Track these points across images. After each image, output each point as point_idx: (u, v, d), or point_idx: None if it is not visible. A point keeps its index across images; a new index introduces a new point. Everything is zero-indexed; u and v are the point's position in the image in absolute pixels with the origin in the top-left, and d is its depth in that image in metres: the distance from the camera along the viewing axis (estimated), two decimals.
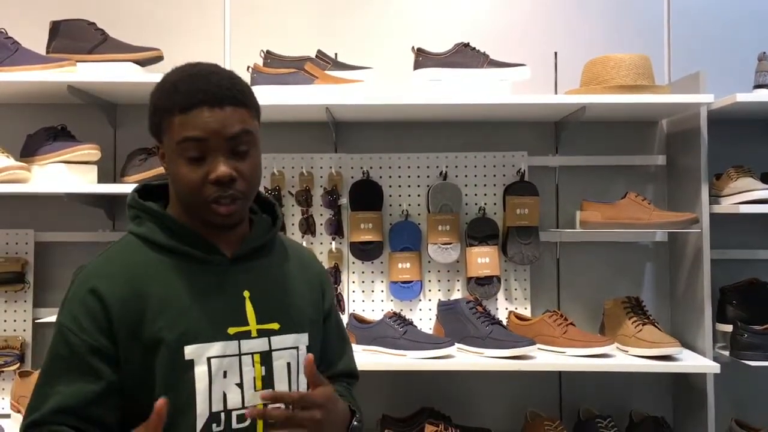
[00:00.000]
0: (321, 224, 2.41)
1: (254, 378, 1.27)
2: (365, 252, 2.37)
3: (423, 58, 2.25)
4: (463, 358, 2.13)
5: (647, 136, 2.47)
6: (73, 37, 2.26)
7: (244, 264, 1.32)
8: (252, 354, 1.28)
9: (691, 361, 2.11)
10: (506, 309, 2.39)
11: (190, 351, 1.23)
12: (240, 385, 1.26)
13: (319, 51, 2.34)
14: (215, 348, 1.25)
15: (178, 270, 1.27)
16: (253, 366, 1.27)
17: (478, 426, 2.29)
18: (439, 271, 2.43)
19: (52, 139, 2.22)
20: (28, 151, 2.25)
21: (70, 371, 1.22)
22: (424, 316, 2.41)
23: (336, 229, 2.39)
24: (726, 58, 2.42)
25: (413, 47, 2.27)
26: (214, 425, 1.24)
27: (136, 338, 1.23)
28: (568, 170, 2.45)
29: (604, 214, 2.22)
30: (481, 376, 2.36)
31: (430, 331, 2.32)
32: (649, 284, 2.45)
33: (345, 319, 2.34)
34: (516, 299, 2.41)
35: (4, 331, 2.40)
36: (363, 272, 2.43)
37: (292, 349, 1.32)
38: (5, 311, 2.41)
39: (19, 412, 2.20)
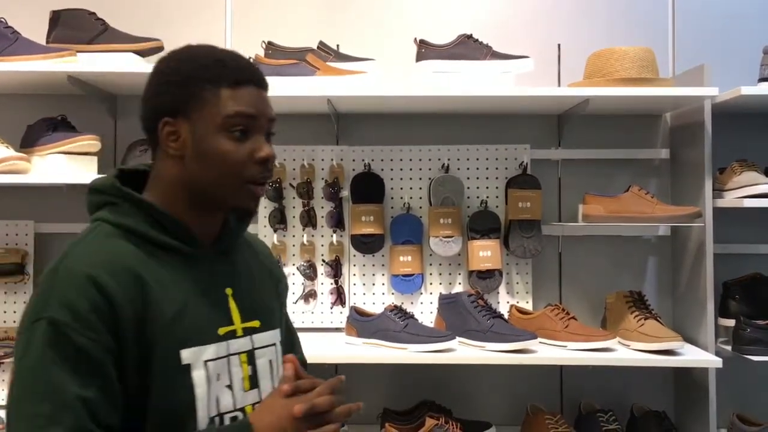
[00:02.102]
0: (322, 217, 2.40)
1: (242, 378, 1.22)
2: (366, 245, 2.36)
3: (425, 50, 2.24)
4: (464, 351, 2.12)
5: (651, 129, 2.45)
6: (73, 27, 2.25)
7: (222, 259, 1.26)
8: (239, 354, 1.22)
9: (693, 356, 2.10)
10: (508, 303, 2.39)
11: (186, 355, 1.15)
12: (230, 387, 1.20)
13: (320, 42, 2.33)
14: (210, 350, 1.18)
15: (166, 265, 1.17)
16: (241, 366, 1.22)
17: (478, 419, 2.29)
18: (440, 264, 2.42)
19: (52, 130, 2.21)
20: (27, 142, 2.24)
21: (77, 377, 1.05)
22: (425, 309, 2.40)
23: (337, 222, 2.38)
24: (730, 51, 2.40)
25: (416, 39, 2.25)
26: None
27: (135, 338, 1.11)
28: (571, 163, 2.44)
29: (606, 207, 2.21)
30: (482, 370, 2.35)
31: (431, 325, 2.31)
32: (652, 278, 2.44)
33: (346, 311, 2.34)
34: (517, 293, 2.41)
35: (4, 322, 2.40)
36: (364, 265, 2.42)
37: (271, 346, 1.29)
38: (5, 302, 2.40)
39: None
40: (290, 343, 1.44)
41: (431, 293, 2.41)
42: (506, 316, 2.28)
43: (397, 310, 2.21)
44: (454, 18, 2.46)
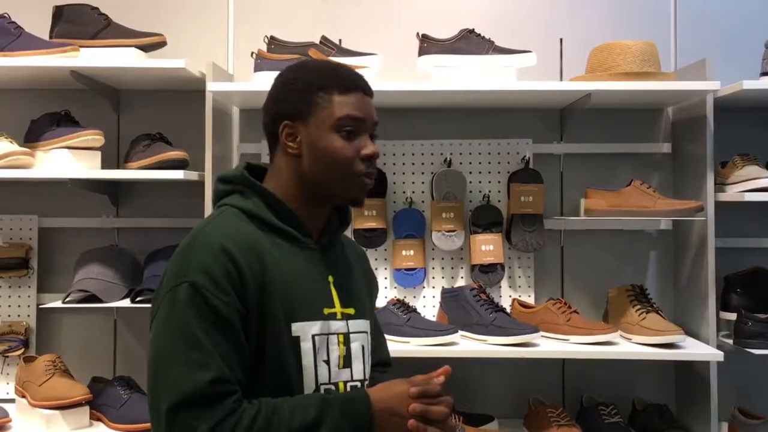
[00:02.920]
0: None
1: (339, 357, 1.36)
2: (369, 239, 2.37)
3: (428, 45, 2.24)
4: (467, 345, 2.13)
5: (653, 123, 2.45)
6: (76, 22, 2.25)
7: (326, 251, 1.41)
8: (337, 334, 1.36)
9: (695, 349, 2.11)
10: (510, 296, 2.39)
11: (296, 328, 1.30)
12: (327, 362, 1.34)
13: (323, 37, 2.33)
14: (317, 326, 1.33)
15: (282, 248, 1.34)
16: (338, 345, 1.36)
17: (481, 413, 2.29)
18: (443, 258, 2.43)
19: (55, 125, 2.22)
20: (31, 137, 2.25)
21: (214, 334, 1.21)
22: (427, 303, 2.41)
23: None
24: (732, 45, 2.40)
25: (418, 33, 2.25)
26: None
27: (257, 307, 1.27)
28: (573, 158, 2.45)
29: (608, 201, 2.22)
30: (485, 364, 2.36)
31: (434, 319, 2.32)
32: (654, 272, 2.44)
33: None
34: (520, 287, 2.41)
35: (9, 316, 2.41)
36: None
37: (363, 333, 1.42)
38: (9, 297, 2.42)
39: (23, 397, 2.21)
40: (377, 341, 1.55)
41: (434, 287, 2.42)
42: (508, 309, 2.29)
43: (400, 304, 2.22)
44: (456, 13, 2.46)
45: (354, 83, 1.36)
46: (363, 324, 1.43)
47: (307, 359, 1.31)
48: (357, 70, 2.09)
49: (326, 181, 1.35)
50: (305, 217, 1.38)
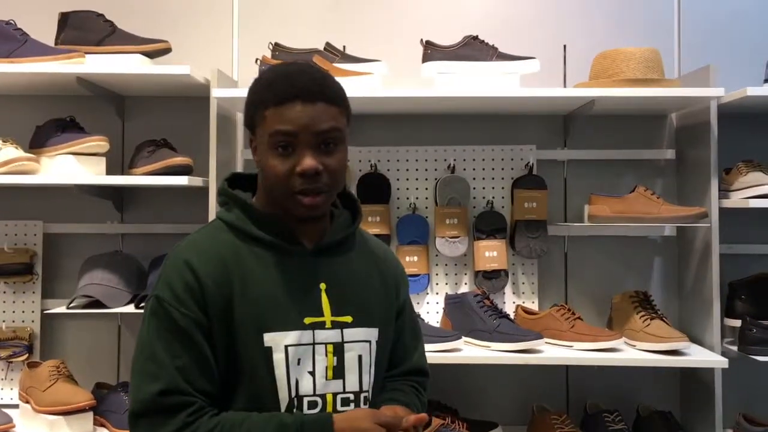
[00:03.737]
0: None
1: (326, 367, 1.32)
2: None
3: (432, 51, 2.24)
4: (470, 351, 2.13)
5: (656, 130, 2.45)
6: (81, 29, 2.26)
7: (323, 257, 1.37)
8: (325, 344, 1.32)
9: (699, 356, 2.10)
10: (514, 303, 2.39)
11: (268, 338, 1.28)
12: (312, 373, 1.31)
13: (327, 43, 2.33)
14: (291, 336, 1.30)
15: (261, 258, 1.32)
16: (326, 356, 1.32)
17: (485, 419, 2.29)
18: (446, 264, 2.43)
19: (60, 131, 2.22)
20: (36, 143, 2.26)
21: (173, 346, 1.25)
22: (431, 309, 2.41)
23: None
24: (736, 51, 2.40)
25: (422, 40, 2.26)
26: (294, 410, 1.29)
27: (223, 318, 1.27)
28: (577, 164, 2.45)
29: (612, 208, 2.21)
30: (488, 370, 2.36)
31: (438, 325, 2.32)
32: (658, 279, 2.44)
33: None
34: (523, 293, 2.41)
35: (13, 322, 2.42)
36: None
37: (363, 343, 1.36)
38: (14, 302, 2.42)
39: (27, 402, 2.21)
40: (405, 348, 1.49)
41: (437, 293, 2.42)
42: (512, 316, 2.28)
43: None
44: (460, 19, 2.46)
45: (288, 94, 1.27)
46: (364, 332, 1.36)
47: (280, 370, 1.28)
48: (358, 77, 2.10)
49: (272, 197, 1.33)
50: (292, 223, 1.34)
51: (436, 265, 2.43)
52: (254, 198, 1.39)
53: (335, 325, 1.33)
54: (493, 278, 2.34)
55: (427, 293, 2.42)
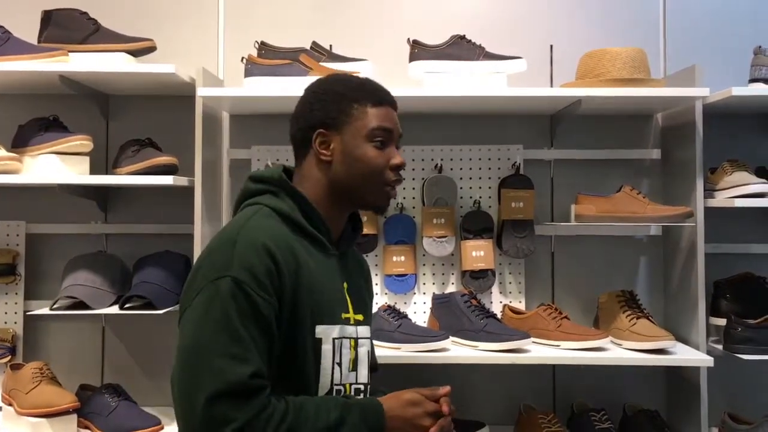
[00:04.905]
0: None
1: (350, 360, 1.43)
2: (360, 245, 2.35)
3: (418, 50, 2.24)
4: (458, 351, 2.13)
5: (642, 129, 2.46)
6: (65, 27, 2.24)
7: (342, 258, 1.49)
8: (350, 339, 1.44)
9: (685, 355, 2.11)
10: (501, 302, 2.39)
11: (320, 330, 1.37)
12: (339, 365, 1.41)
13: (314, 42, 2.32)
14: (336, 330, 1.40)
15: (311, 251, 1.40)
16: (350, 349, 1.43)
17: (472, 419, 2.29)
18: (433, 264, 2.42)
19: (43, 130, 2.20)
20: (19, 142, 2.23)
21: (255, 330, 1.27)
22: (418, 309, 2.41)
23: None
24: (721, 51, 2.42)
25: (409, 39, 2.25)
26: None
27: (289, 305, 1.32)
28: (564, 163, 2.45)
29: (599, 207, 2.22)
30: (476, 370, 2.36)
31: (425, 325, 2.31)
32: (644, 278, 2.45)
33: None
34: (510, 293, 2.41)
35: None
36: None
37: (368, 339, 1.51)
38: None
39: (10, 405, 2.18)
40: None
41: (424, 293, 2.41)
42: (499, 315, 2.28)
43: (391, 310, 2.21)
44: (447, 19, 2.46)
45: (385, 97, 1.46)
46: (368, 330, 1.51)
47: (327, 361, 1.38)
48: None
49: (356, 188, 1.43)
50: (330, 222, 1.45)
51: (423, 264, 2.42)
52: (305, 193, 1.45)
53: (355, 322, 1.46)
54: (480, 278, 2.34)
55: (414, 293, 2.41)
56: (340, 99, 1.43)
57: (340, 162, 1.42)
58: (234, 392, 1.23)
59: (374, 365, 1.65)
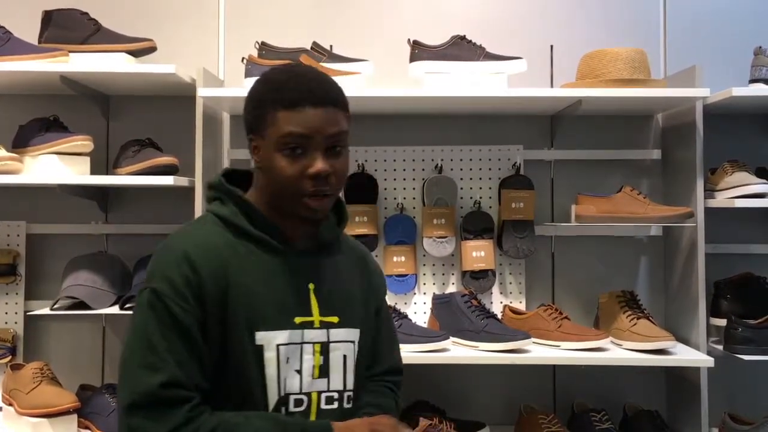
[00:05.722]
0: None
1: (313, 366, 1.34)
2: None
3: (419, 51, 2.24)
4: (458, 351, 2.13)
5: (643, 130, 2.46)
6: (65, 27, 2.24)
7: (312, 258, 1.39)
8: (313, 343, 1.35)
9: (685, 355, 2.11)
10: (501, 303, 2.39)
11: (260, 337, 1.30)
12: (299, 372, 1.33)
13: (314, 43, 2.32)
14: (283, 336, 1.31)
15: (255, 255, 1.33)
16: (313, 355, 1.34)
17: (472, 419, 2.29)
18: (434, 264, 2.42)
19: (44, 130, 2.20)
20: (20, 142, 2.23)
21: (173, 340, 1.24)
22: (418, 309, 2.41)
23: None
24: (722, 52, 2.42)
25: (409, 40, 2.25)
26: (282, 408, 1.31)
27: (217, 313, 1.28)
28: (564, 164, 2.45)
29: (599, 208, 2.22)
30: (476, 370, 2.35)
31: (425, 325, 2.31)
32: (644, 278, 2.45)
33: None
34: (511, 293, 2.41)
35: None
36: None
37: (348, 343, 1.39)
38: None
39: (10, 405, 2.18)
40: (381, 348, 1.51)
41: (425, 293, 2.41)
42: (499, 316, 2.28)
43: (391, 310, 2.21)
44: (447, 19, 2.46)
45: (300, 97, 1.29)
46: (349, 333, 1.40)
47: (271, 369, 1.30)
48: (345, 76, 2.10)
49: (277, 197, 1.34)
50: (284, 223, 1.36)
51: (424, 265, 2.42)
52: (247, 195, 1.39)
53: (323, 324, 1.36)
54: (480, 278, 2.34)
55: (415, 293, 2.41)
56: (257, 103, 1.34)
57: (265, 170, 1.34)
58: (148, 403, 1.21)
59: (391, 369, 1.53)
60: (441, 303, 2.26)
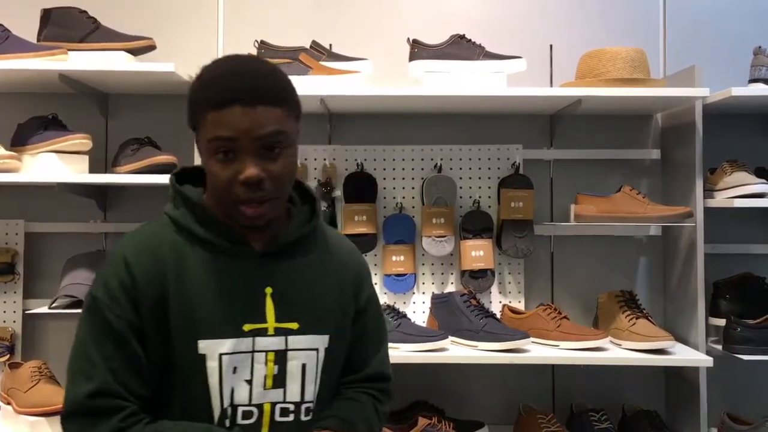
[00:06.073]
0: None
1: (265, 376, 1.25)
2: (359, 244, 2.31)
3: (418, 50, 2.24)
4: (457, 351, 2.12)
5: (642, 129, 2.46)
6: (64, 25, 2.23)
7: (274, 259, 1.29)
8: (266, 352, 1.25)
9: (684, 355, 2.11)
10: (500, 302, 2.39)
11: (203, 345, 1.22)
12: (249, 382, 1.25)
13: (313, 41, 2.32)
14: (228, 344, 1.23)
15: (203, 260, 1.25)
16: (266, 364, 1.25)
17: (471, 419, 2.29)
18: (433, 264, 2.42)
19: (43, 129, 2.19)
20: (18, 141, 2.23)
21: (106, 347, 1.21)
22: (417, 309, 2.40)
23: (330, 221, 2.37)
24: (721, 51, 2.42)
25: (408, 39, 2.25)
26: (226, 420, 1.24)
27: (155, 319, 1.22)
28: (563, 163, 2.45)
29: (598, 207, 2.22)
30: (475, 369, 2.35)
31: (424, 324, 2.31)
32: (643, 278, 2.45)
33: None
34: (510, 292, 2.41)
35: None
36: None
37: (309, 351, 1.29)
38: None
39: (8, 403, 2.18)
40: (365, 353, 1.41)
41: (424, 293, 2.41)
42: (498, 315, 2.28)
43: (390, 310, 2.21)
44: (447, 18, 2.46)
45: (225, 97, 1.18)
46: (312, 340, 1.28)
47: (213, 379, 1.22)
48: (344, 75, 2.09)
49: (219, 202, 1.26)
50: (240, 226, 1.26)
51: (423, 264, 2.42)
52: (205, 194, 1.31)
53: (279, 331, 1.26)
54: (479, 278, 2.34)
55: (414, 293, 2.41)
56: (190, 103, 1.25)
57: (207, 172, 1.26)
58: (76, 412, 1.19)
59: (375, 375, 1.41)
60: (440, 302, 2.26)
